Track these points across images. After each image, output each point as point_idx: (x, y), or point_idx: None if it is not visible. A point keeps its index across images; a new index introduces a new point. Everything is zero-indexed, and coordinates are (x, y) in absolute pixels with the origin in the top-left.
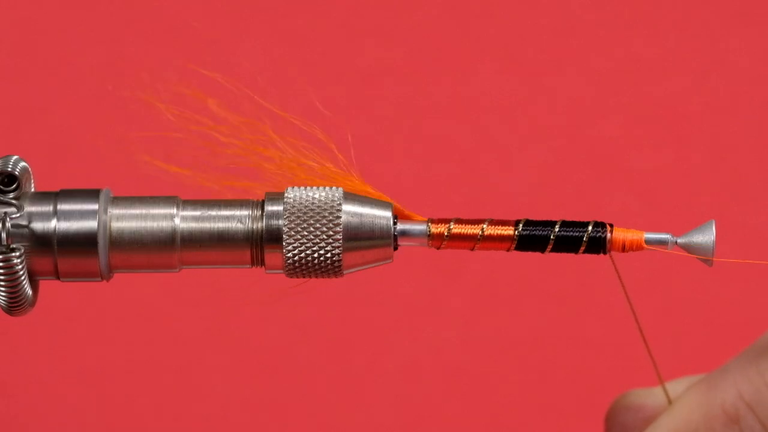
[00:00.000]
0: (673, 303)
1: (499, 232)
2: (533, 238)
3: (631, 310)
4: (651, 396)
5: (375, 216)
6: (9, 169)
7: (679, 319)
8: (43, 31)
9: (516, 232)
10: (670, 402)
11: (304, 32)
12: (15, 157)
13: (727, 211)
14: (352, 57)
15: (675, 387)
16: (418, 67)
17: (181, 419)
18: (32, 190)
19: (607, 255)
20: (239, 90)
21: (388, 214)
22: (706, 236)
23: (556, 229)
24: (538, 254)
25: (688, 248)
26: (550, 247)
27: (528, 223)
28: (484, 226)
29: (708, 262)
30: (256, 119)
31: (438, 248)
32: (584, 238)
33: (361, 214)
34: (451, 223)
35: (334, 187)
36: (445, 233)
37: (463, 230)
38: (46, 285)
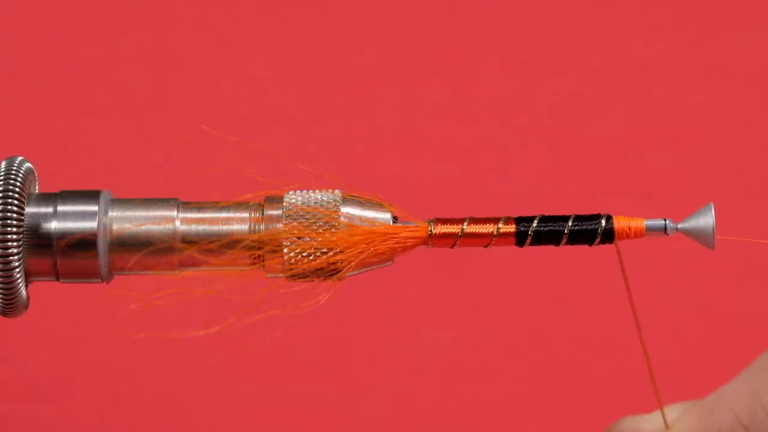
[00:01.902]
0: (674, 298)
1: (505, 229)
2: (534, 231)
3: (635, 318)
4: (645, 422)
5: (374, 218)
6: None
7: (680, 315)
8: (43, 31)
9: (530, 229)
10: (666, 427)
11: (304, 32)
12: (20, 158)
13: (727, 210)
14: (352, 57)
15: (671, 412)
16: (418, 67)
17: (181, 419)
18: (37, 191)
19: (607, 244)
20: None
21: (388, 215)
22: (705, 219)
23: (566, 222)
24: (538, 255)
25: (688, 232)
26: (564, 239)
27: (521, 218)
28: (499, 225)
29: (709, 242)
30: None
31: (452, 247)
32: (594, 229)
33: (360, 217)
34: (466, 221)
35: (332, 190)
36: (459, 233)
37: (475, 230)
38: (46, 285)
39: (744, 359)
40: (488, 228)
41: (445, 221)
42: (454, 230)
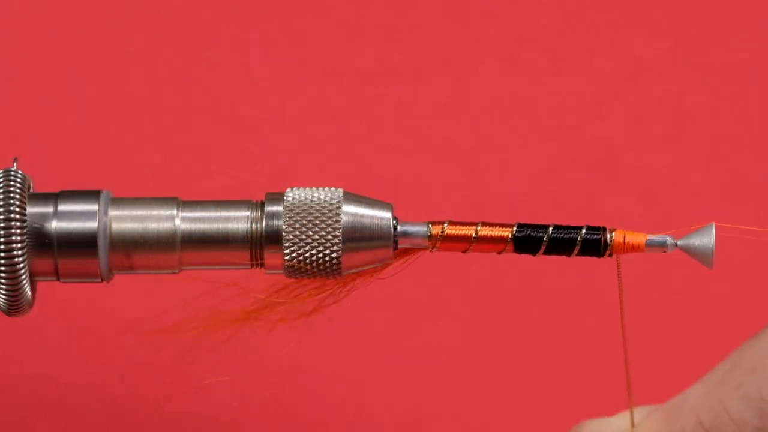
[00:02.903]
0: (673, 304)
1: (497, 233)
2: (531, 239)
3: (622, 320)
4: (607, 425)
5: (375, 217)
6: None
7: (678, 321)
8: (43, 31)
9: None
10: (633, 426)
11: (304, 32)
12: (12, 170)
13: (726, 211)
14: (351, 57)
15: (634, 415)
16: (418, 67)
17: (181, 419)
18: (31, 191)
19: (609, 257)
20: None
21: (388, 215)
22: (705, 239)
23: (570, 248)
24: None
25: (687, 251)
26: (576, 250)
27: (521, 226)
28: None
29: (707, 261)
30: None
31: (464, 251)
32: (606, 240)
33: (361, 215)
34: (478, 225)
35: (334, 188)
36: (439, 233)
37: (489, 232)
38: (46, 285)
39: None
40: (492, 243)
41: (448, 238)
42: (459, 241)
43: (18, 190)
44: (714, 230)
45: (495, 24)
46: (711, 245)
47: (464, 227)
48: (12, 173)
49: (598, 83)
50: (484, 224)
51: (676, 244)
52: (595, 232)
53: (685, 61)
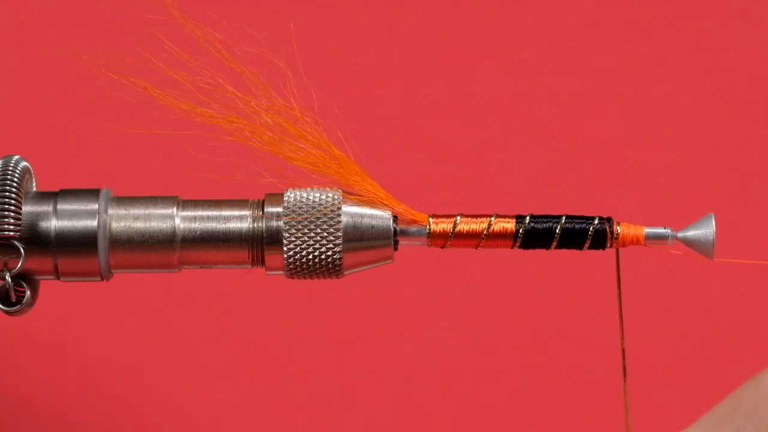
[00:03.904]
0: (673, 302)
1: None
2: (537, 232)
3: (620, 316)
4: None
5: (375, 216)
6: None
7: (678, 319)
8: (43, 31)
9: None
10: None
11: (305, 32)
12: (16, 156)
13: (726, 210)
14: (352, 57)
15: None
16: (418, 67)
17: (181, 419)
18: (34, 189)
19: (612, 249)
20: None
21: (388, 214)
22: (705, 230)
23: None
24: (538, 254)
25: (688, 242)
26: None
27: (532, 218)
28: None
29: (708, 252)
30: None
31: (442, 247)
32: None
33: (360, 215)
34: (492, 216)
35: (333, 188)
36: (449, 230)
37: (477, 227)
38: (46, 285)
39: (740, 362)
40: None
41: (458, 237)
42: (469, 238)
43: (14, 189)
44: (713, 220)
45: (495, 24)
46: (711, 235)
47: (475, 219)
48: (9, 172)
49: (598, 83)
50: (498, 216)
51: (676, 236)
52: (604, 223)
53: (685, 61)
